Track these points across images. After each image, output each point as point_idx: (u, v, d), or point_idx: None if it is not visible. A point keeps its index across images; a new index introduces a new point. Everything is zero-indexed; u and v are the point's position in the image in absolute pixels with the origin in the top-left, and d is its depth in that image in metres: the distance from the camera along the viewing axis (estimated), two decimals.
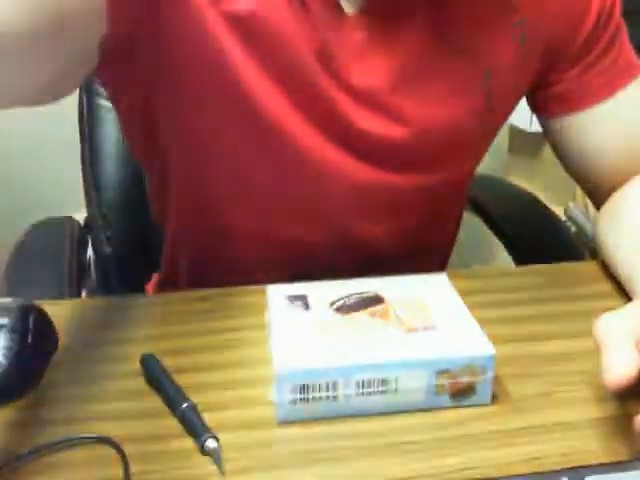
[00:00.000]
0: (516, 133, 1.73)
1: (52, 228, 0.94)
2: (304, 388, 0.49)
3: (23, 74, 0.48)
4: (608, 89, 0.70)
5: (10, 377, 0.52)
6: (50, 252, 0.88)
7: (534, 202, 0.99)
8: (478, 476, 0.46)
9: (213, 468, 0.46)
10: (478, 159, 0.76)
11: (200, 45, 0.60)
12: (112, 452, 0.46)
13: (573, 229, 1.54)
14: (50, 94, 0.53)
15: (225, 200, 0.69)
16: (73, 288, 0.82)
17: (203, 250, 0.75)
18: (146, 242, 0.89)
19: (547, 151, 0.78)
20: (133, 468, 0.45)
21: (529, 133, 1.61)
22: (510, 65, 0.67)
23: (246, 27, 0.60)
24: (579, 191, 0.78)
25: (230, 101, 0.62)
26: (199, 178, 0.69)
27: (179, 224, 0.76)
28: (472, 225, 0.96)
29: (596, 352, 0.46)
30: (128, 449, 0.46)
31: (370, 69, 0.63)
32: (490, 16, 0.65)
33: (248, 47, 0.60)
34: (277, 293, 0.58)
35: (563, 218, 1.64)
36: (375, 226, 0.71)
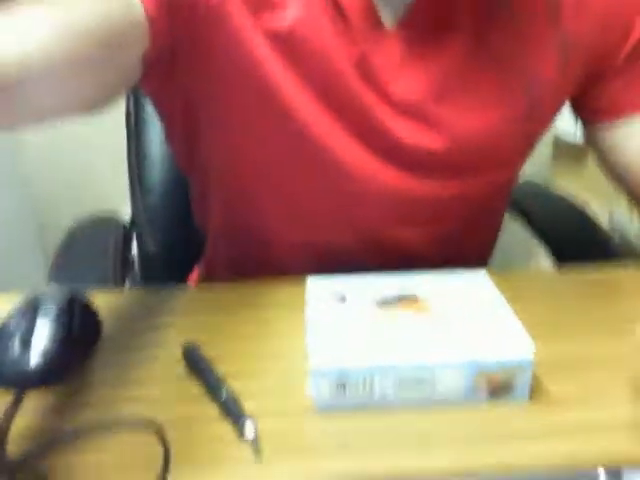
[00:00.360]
0: (560, 139, 1.71)
1: (98, 224, 0.96)
2: (340, 384, 0.50)
3: (76, 91, 0.52)
4: None
5: (55, 362, 0.54)
6: (95, 248, 0.90)
7: (579, 209, 0.98)
8: (513, 472, 0.46)
9: (250, 453, 0.47)
10: (519, 168, 0.75)
11: (240, 63, 0.61)
12: (151, 435, 0.48)
13: (617, 236, 1.51)
14: (100, 105, 0.57)
15: (266, 214, 0.70)
16: (117, 282, 0.84)
17: (242, 254, 0.76)
18: (189, 240, 0.90)
19: (592, 156, 0.77)
20: (172, 451, 0.46)
21: (574, 140, 1.60)
22: (551, 76, 0.66)
23: (287, 44, 0.60)
24: (624, 198, 0.77)
25: (271, 118, 0.63)
26: (239, 193, 0.70)
27: (219, 233, 0.78)
28: (513, 230, 0.95)
29: (637, 354, 0.46)
30: (167, 432, 0.47)
31: (410, 81, 0.63)
32: (532, 27, 0.64)
33: (289, 64, 0.61)
34: (316, 285, 0.59)
35: (607, 225, 1.62)
36: (414, 233, 0.71)
